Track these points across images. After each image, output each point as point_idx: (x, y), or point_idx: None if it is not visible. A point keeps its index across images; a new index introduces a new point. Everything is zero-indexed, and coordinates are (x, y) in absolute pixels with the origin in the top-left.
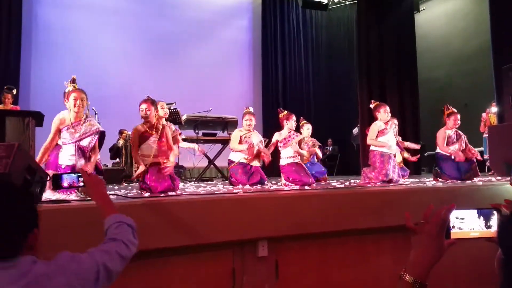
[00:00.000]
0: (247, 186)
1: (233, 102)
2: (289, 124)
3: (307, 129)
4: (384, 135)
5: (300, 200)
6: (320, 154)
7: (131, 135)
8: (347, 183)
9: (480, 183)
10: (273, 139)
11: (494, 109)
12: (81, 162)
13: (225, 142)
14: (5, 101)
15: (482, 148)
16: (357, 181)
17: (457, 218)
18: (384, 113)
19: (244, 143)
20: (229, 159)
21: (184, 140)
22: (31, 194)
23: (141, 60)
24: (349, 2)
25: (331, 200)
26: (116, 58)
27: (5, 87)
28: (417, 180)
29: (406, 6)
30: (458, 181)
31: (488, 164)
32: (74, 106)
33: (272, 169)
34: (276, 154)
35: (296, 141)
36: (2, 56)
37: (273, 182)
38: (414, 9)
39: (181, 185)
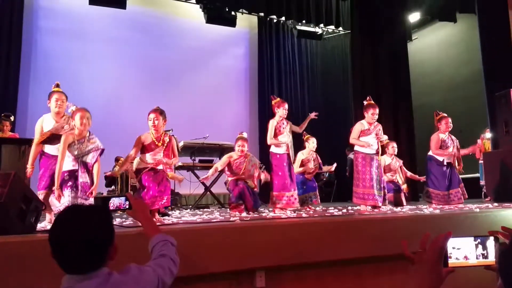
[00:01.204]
0: (244, 214)
1: (230, 128)
2: (279, 112)
3: (312, 142)
4: (366, 136)
5: (298, 228)
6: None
7: (137, 138)
8: (344, 210)
9: (478, 209)
10: (270, 126)
11: (488, 135)
12: (84, 176)
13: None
14: (3, 129)
15: (478, 174)
16: (355, 208)
17: (453, 248)
18: (371, 115)
19: (234, 166)
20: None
21: (180, 167)
22: (109, 212)
23: (138, 88)
24: (343, 32)
25: (329, 228)
26: (113, 85)
27: (3, 114)
28: (414, 207)
29: (399, 35)
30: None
31: (485, 191)
32: (81, 125)
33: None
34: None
35: (287, 129)
36: (1, 82)
37: (270, 209)
38: (406, 38)
39: (176, 213)
